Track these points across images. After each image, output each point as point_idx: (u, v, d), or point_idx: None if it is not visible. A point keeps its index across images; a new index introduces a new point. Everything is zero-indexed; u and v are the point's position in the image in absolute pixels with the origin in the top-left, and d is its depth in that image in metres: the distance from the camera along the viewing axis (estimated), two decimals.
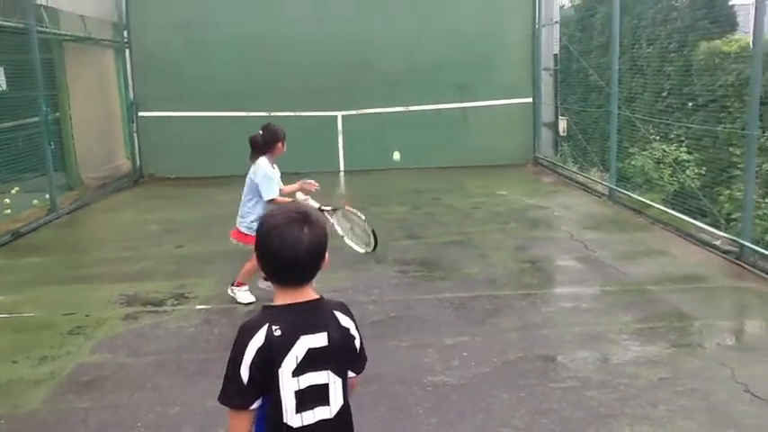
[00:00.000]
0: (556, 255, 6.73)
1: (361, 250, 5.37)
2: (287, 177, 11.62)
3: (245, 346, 1.89)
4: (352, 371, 2.06)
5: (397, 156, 5.87)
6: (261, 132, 5.52)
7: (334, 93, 12.09)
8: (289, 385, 1.90)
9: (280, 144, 5.56)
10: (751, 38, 6.17)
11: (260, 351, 1.88)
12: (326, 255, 2.02)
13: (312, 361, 1.92)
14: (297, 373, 1.90)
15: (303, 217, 1.96)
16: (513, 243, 7.17)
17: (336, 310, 2.02)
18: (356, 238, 5.45)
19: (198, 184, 11.47)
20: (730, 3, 10.51)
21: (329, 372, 1.95)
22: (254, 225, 5.01)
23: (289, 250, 1.92)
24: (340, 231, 5.40)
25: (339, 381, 1.97)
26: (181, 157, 12.19)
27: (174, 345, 4.78)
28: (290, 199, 5.51)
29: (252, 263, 5.25)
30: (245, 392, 1.90)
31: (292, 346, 1.90)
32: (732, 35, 9.75)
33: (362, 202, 9.68)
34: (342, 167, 12.42)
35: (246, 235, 5.41)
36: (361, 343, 2.07)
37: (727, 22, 10.28)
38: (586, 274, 6.08)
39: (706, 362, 4.24)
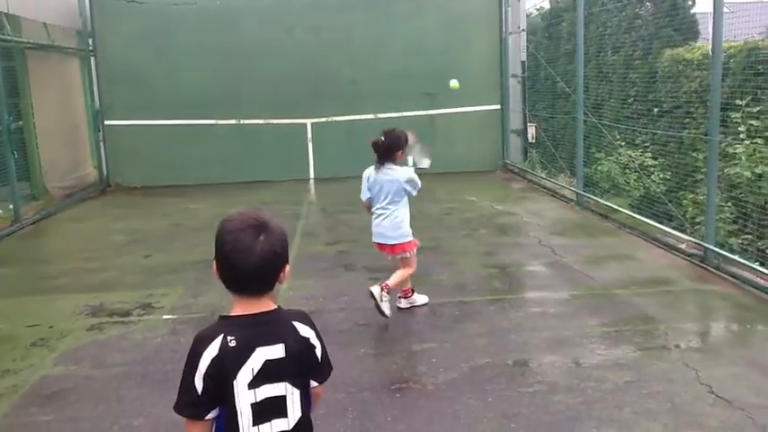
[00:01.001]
0: (524, 260, 6.78)
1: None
2: (257, 185, 11.63)
3: (200, 355, 1.85)
4: (315, 380, 2.02)
5: (455, 83, 5.69)
6: (383, 138, 5.08)
7: (303, 101, 12.09)
8: (245, 397, 1.86)
9: (400, 153, 5.12)
10: (710, 45, 6.27)
11: (214, 361, 1.84)
12: (286, 268, 1.97)
13: (269, 373, 1.88)
14: (253, 385, 1.86)
15: (260, 224, 1.89)
16: (482, 249, 7.21)
17: (295, 320, 1.97)
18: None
19: (166, 194, 11.36)
20: (692, 11, 10.72)
21: (287, 384, 1.91)
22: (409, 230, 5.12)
23: (241, 258, 1.86)
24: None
25: (297, 392, 1.93)
26: (148, 166, 12.08)
27: (139, 356, 4.71)
28: None
29: (410, 269, 5.23)
30: (198, 403, 1.86)
31: (248, 357, 1.86)
32: (695, 43, 9.94)
33: (333, 210, 9.70)
34: (312, 175, 12.40)
35: (410, 242, 5.21)
36: (324, 352, 2.02)
37: (690, 30, 10.48)
38: (554, 280, 6.13)
39: (671, 364, 4.29)
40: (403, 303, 5.41)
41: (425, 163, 5.53)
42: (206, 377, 1.84)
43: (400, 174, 5.08)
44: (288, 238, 1.97)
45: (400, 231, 5.14)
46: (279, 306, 1.99)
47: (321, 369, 2.03)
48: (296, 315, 2.01)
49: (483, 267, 6.56)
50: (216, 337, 1.87)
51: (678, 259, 6.55)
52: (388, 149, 5.05)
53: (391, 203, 5.11)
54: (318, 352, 2.00)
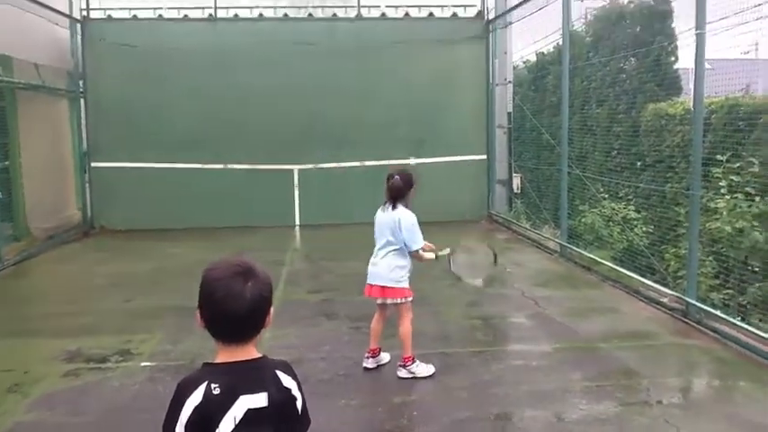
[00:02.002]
0: (507, 312, 6.77)
1: (479, 281, 5.37)
2: (243, 231, 11.59)
3: (183, 403, 1.84)
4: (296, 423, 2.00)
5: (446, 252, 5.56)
6: (398, 177, 4.94)
7: (290, 147, 12.16)
8: None
9: (413, 190, 5.02)
10: (692, 101, 6.40)
11: (197, 409, 1.83)
12: (270, 310, 1.97)
13: (251, 422, 1.86)
14: None
15: (246, 270, 1.90)
16: (466, 299, 7.19)
17: (279, 369, 1.97)
18: (475, 270, 5.28)
19: (149, 237, 11.29)
20: (675, 67, 10.97)
21: None
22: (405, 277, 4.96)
23: (233, 305, 1.86)
24: (459, 272, 5.22)
25: None
26: (133, 209, 12.04)
27: (115, 403, 4.62)
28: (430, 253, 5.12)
29: (406, 325, 5.00)
30: None
31: (231, 405, 1.85)
32: (677, 98, 10.15)
33: (317, 257, 9.66)
34: (297, 222, 12.39)
35: (402, 289, 5.03)
36: (304, 405, 2.01)
37: (673, 86, 10.71)
38: (537, 332, 6.12)
39: (652, 420, 4.26)
40: (403, 373, 5.04)
41: (478, 282, 5.42)
42: (188, 425, 1.83)
43: (399, 215, 4.92)
44: (271, 281, 1.97)
45: (395, 274, 4.96)
46: (264, 355, 1.98)
47: (300, 421, 2.01)
48: (279, 365, 2.00)
49: (466, 318, 6.54)
50: (200, 384, 1.86)
51: (660, 313, 6.56)
52: (395, 191, 4.95)
53: (389, 244, 4.97)
54: (299, 404, 1.99)
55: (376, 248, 5.08)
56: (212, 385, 1.85)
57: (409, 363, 5.01)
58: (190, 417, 1.82)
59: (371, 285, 5.07)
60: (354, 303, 6.97)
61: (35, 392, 4.80)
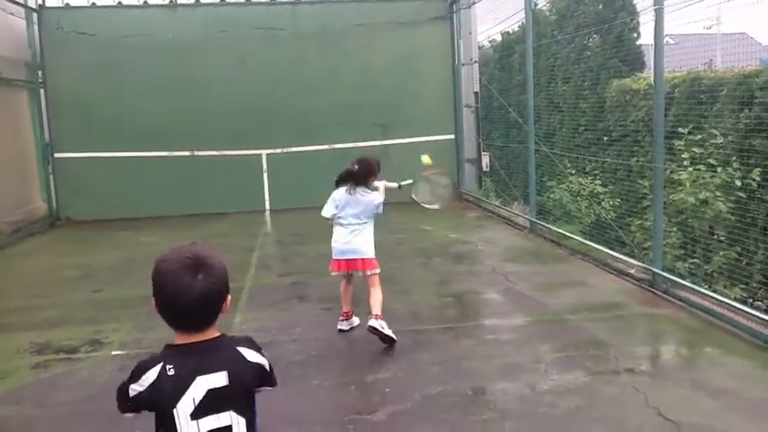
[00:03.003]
0: (478, 288, 6.82)
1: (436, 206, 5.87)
2: (212, 217, 11.50)
3: (138, 378, 1.88)
4: (267, 386, 2.03)
5: (426, 159, 5.99)
6: (356, 166, 5.36)
7: (257, 132, 12.08)
8: (188, 429, 1.84)
9: (373, 178, 5.43)
10: (652, 76, 6.47)
11: (151, 386, 1.86)
12: (228, 298, 1.96)
13: (212, 402, 1.86)
14: (195, 415, 1.85)
15: (197, 262, 1.88)
16: (436, 278, 7.24)
17: (241, 346, 1.96)
18: (434, 197, 5.89)
19: (117, 227, 11.16)
20: (638, 43, 11.08)
21: (231, 413, 1.89)
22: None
23: (181, 298, 1.85)
24: (422, 201, 5.81)
25: (243, 421, 1.91)
26: (99, 199, 11.89)
27: (85, 393, 4.57)
28: None
29: (378, 290, 5.32)
30: (124, 401, 1.93)
31: (187, 387, 1.85)
32: (641, 73, 10.26)
33: (288, 241, 9.64)
34: (267, 206, 12.34)
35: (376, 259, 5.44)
36: (272, 370, 2.04)
37: (636, 62, 10.82)
38: (507, 307, 6.18)
39: (620, 388, 4.33)
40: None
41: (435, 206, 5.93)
42: (140, 400, 1.88)
43: (374, 196, 5.36)
44: (226, 271, 1.95)
45: (370, 246, 5.36)
46: (222, 333, 1.97)
47: (271, 377, 2.03)
48: (242, 341, 1.99)
49: (437, 296, 6.57)
50: (156, 365, 1.87)
51: (628, 284, 6.66)
52: (364, 176, 5.34)
53: (363, 221, 5.35)
54: (268, 368, 2.01)
55: (345, 225, 5.37)
56: (167, 366, 1.86)
57: (382, 319, 5.25)
58: (142, 393, 1.86)
59: (351, 260, 5.35)
60: (326, 285, 6.97)
61: (2, 387, 4.73)
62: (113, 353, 5.32)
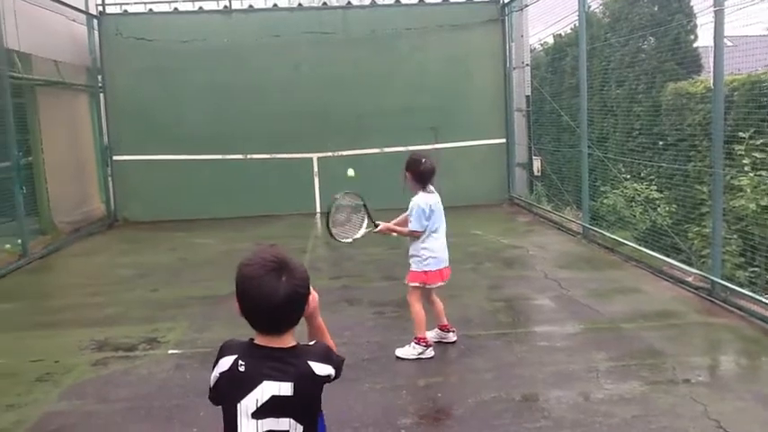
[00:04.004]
0: (530, 294, 6.75)
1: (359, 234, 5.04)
2: (263, 220, 11.64)
3: (217, 361, 1.98)
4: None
5: (351, 172, 5.82)
6: (426, 161, 5.01)
7: (309, 135, 12.20)
8: (247, 426, 1.89)
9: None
10: (712, 79, 6.32)
11: (223, 375, 1.94)
12: (312, 295, 2.02)
13: (274, 407, 1.90)
14: (257, 416, 1.89)
15: (280, 265, 1.92)
16: (487, 283, 7.19)
17: (312, 359, 1.97)
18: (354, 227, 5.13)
19: (172, 228, 11.40)
20: (695, 45, 10.82)
21: (291, 419, 1.92)
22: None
23: (266, 301, 1.89)
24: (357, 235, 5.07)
25: (301, 428, 1.94)
26: (155, 201, 12.17)
27: (144, 391, 4.69)
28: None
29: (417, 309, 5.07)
30: (211, 392, 2.03)
31: (254, 387, 1.89)
32: (698, 76, 10.02)
33: (338, 244, 9.68)
34: (318, 209, 12.43)
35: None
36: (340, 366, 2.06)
37: (693, 64, 10.57)
38: (560, 313, 6.10)
39: (679, 399, 4.24)
40: (453, 337, 5.40)
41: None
42: (216, 381, 1.98)
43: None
44: (307, 273, 2.00)
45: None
46: (297, 344, 2.00)
47: (337, 377, 2.05)
48: (314, 353, 2.01)
49: (488, 301, 6.53)
50: (233, 354, 1.95)
51: (685, 292, 6.52)
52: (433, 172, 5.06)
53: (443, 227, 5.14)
54: (335, 374, 2.03)
55: (440, 232, 5.12)
56: (240, 361, 1.93)
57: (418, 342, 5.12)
58: (218, 377, 1.96)
59: (443, 270, 5.15)
60: (376, 289, 7.03)
61: (65, 381, 4.89)
62: (170, 351, 5.44)
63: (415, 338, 5.09)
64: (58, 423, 4.23)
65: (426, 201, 5.01)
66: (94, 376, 4.99)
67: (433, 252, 5.05)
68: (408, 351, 5.06)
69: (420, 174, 5.01)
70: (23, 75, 9.89)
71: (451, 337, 5.37)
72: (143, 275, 8.19)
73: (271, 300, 1.88)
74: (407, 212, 5.10)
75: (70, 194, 11.52)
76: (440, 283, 5.14)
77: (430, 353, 5.08)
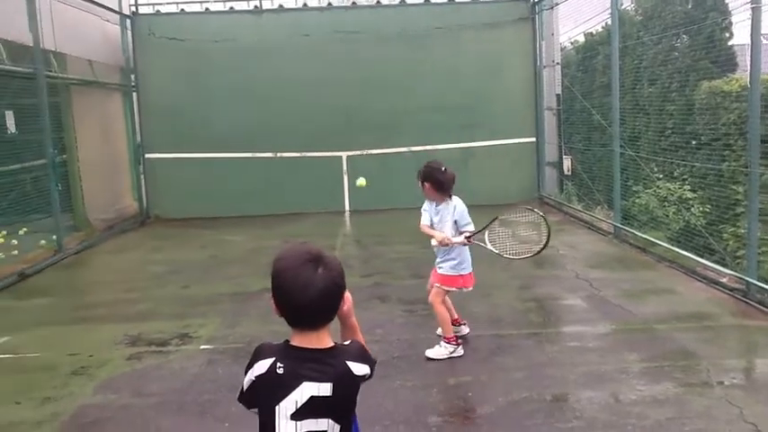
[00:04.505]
0: (561, 294, 6.70)
1: (531, 253, 4.99)
2: (293, 218, 11.71)
3: (252, 364, 1.95)
4: None
5: (362, 181, 5.87)
6: (447, 170, 4.98)
7: (338, 134, 12.24)
8: (286, 427, 1.89)
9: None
10: (749, 77, 6.21)
11: (260, 378, 1.92)
12: (346, 295, 2.01)
13: (313, 408, 1.89)
14: (296, 417, 1.88)
15: (316, 257, 1.92)
16: (518, 282, 7.16)
17: (351, 359, 1.97)
18: (520, 243, 5.06)
19: (202, 225, 11.53)
20: (730, 43, 10.64)
21: (329, 420, 1.92)
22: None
23: (303, 293, 1.88)
24: (495, 250, 5.00)
25: (338, 427, 1.94)
26: (187, 199, 12.31)
27: (176, 385, 4.75)
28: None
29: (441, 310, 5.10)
30: (243, 396, 1.99)
31: (293, 389, 1.89)
32: (733, 74, 9.85)
33: (367, 242, 9.73)
34: (347, 207, 12.48)
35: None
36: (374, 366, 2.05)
37: (728, 62, 10.40)
38: (592, 313, 6.05)
39: (713, 401, 4.18)
40: (465, 330, 5.48)
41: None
42: (251, 384, 1.95)
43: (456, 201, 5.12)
44: (342, 267, 1.99)
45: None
46: (336, 344, 1.99)
47: (371, 376, 2.04)
48: (352, 353, 2.00)
49: (519, 301, 6.50)
50: (270, 357, 1.93)
51: (719, 293, 6.42)
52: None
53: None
54: (370, 372, 2.03)
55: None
56: (278, 364, 1.90)
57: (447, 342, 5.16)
58: (253, 380, 1.93)
59: (470, 274, 5.18)
60: (406, 287, 7.03)
61: (101, 375, 4.97)
62: (202, 347, 5.50)
63: (444, 338, 5.08)
64: (93, 416, 4.30)
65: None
66: (128, 370, 5.06)
67: (466, 256, 5.14)
68: (439, 351, 5.05)
69: (441, 183, 4.97)
70: (59, 74, 10.07)
71: (464, 329, 5.44)
72: (174, 272, 8.28)
73: (307, 291, 1.88)
74: (454, 217, 5.03)
75: (104, 192, 11.70)
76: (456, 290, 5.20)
77: (460, 351, 5.07)
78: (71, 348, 5.55)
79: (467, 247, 5.11)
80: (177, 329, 5.95)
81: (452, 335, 5.09)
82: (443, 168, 4.97)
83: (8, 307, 7.05)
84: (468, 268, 5.13)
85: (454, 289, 5.13)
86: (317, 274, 1.89)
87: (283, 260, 1.93)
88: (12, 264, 8.32)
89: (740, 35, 9.73)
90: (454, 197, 5.09)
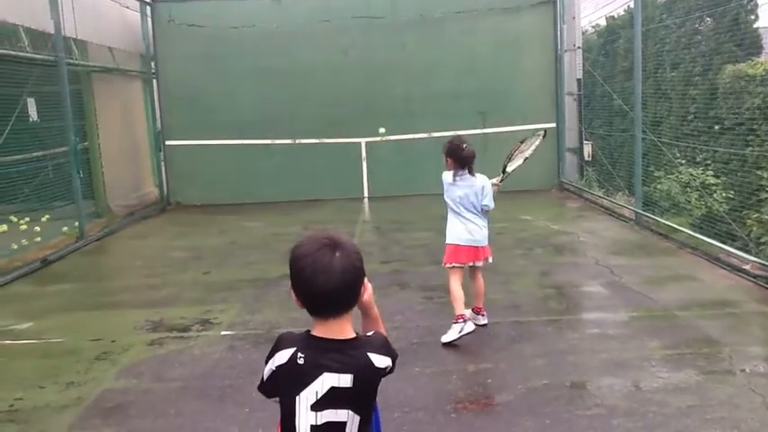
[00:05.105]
0: (581, 280, 6.67)
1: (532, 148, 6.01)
2: (312, 204, 11.74)
3: (273, 354, 1.96)
4: None
5: (382, 130, 6.06)
6: (468, 146, 5.22)
7: (357, 120, 12.21)
8: (306, 418, 1.89)
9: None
10: None
11: (280, 367, 1.92)
12: (366, 283, 2.00)
13: (334, 399, 1.89)
14: (316, 408, 1.88)
15: (333, 242, 1.91)
16: (538, 269, 7.12)
17: (372, 351, 1.95)
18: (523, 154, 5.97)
19: (224, 212, 11.60)
20: (755, 26, 10.45)
21: (349, 411, 1.91)
22: None
23: (323, 278, 1.87)
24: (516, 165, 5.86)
25: (358, 418, 1.93)
26: (207, 185, 12.38)
27: (198, 370, 4.79)
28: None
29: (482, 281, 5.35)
30: (263, 385, 2.01)
31: (314, 379, 1.88)
32: (758, 57, 9.68)
33: (386, 228, 9.73)
34: (366, 194, 12.48)
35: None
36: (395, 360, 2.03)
37: (753, 45, 10.21)
38: (612, 300, 6.01)
39: (736, 389, 4.14)
40: (482, 320, 5.40)
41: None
42: (271, 374, 1.96)
43: (485, 182, 5.29)
44: (360, 253, 1.98)
45: (485, 234, 5.26)
46: (357, 335, 1.98)
47: (392, 370, 2.03)
48: (374, 345, 1.98)
49: (538, 287, 6.47)
50: (291, 347, 1.93)
51: (742, 280, 6.34)
52: (474, 157, 5.26)
53: (476, 209, 5.21)
54: (392, 364, 2.01)
55: (463, 214, 5.20)
56: (299, 354, 1.90)
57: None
58: (274, 370, 1.93)
59: (480, 248, 5.22)
60: (425, 273, 7.03)
61: (123, 361, 5.03)
62: (223, 333, 5.54)
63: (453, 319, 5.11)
64: (116, 400, 4.35)
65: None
66: (150, 356, 5.11)
67: (452, 225, 5.32)
68: (451, 334, 5.04)
69: (462, 159, 5.18)
70: (80, 61, 10.13)
71: (482, 320, 5.40)
72: (195, 258, 8.34)
73: (327, 275, 1.86)
74: (480, 192, 5.22)
75: (125, 179, 11.80)
76: (469, 262, 5.26)
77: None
78: (94, 334, 5.62)
79: (455, 217, 5.24)
80: (198, 315, 5.99)
81: (460, 313, 5.07)
82: (464, 146, 5.18)
83: (31, 293, 7.14)
84: (452, 239, 5.24)
85: (451, 264, 5.22)
86: (334, 257, 1.88)
87: (301, 247, 1.93)
88: (35, 250, 8.43)
89: (766, 17, 9.56)
90: (478, 174, 5.24)
